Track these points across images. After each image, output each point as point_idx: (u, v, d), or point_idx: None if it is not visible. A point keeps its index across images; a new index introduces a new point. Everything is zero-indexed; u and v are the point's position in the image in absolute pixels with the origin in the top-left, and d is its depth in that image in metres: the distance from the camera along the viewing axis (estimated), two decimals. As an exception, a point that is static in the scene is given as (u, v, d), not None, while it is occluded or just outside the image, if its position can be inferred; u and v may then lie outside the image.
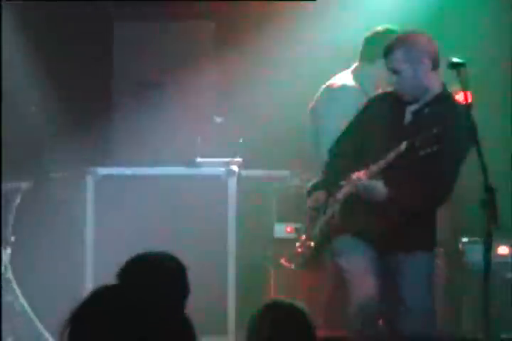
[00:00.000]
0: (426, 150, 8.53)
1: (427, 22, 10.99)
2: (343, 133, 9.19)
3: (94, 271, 9.89)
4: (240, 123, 11.02)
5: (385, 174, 8.54)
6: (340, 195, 8.76)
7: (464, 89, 8.25)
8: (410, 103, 8.80)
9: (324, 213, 8.93)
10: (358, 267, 8.77)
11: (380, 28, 10.14)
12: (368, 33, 10.08)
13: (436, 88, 8.76)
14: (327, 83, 9.98)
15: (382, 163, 8.57)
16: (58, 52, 11.55)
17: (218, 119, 10.87)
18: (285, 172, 10.72)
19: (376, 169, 8.61)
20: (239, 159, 10.54)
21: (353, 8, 11.68)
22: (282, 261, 9.60)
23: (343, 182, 8.79)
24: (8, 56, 11.14)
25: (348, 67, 10.26)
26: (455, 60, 8.09)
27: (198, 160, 10.57)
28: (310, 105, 10.21)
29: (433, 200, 8.77)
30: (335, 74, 10.12)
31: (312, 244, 9.07)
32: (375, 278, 8.59)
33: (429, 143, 8.61)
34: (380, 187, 8.51)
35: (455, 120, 8.63)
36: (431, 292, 8.82)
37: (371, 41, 10.10)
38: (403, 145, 8.41)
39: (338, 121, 9.65)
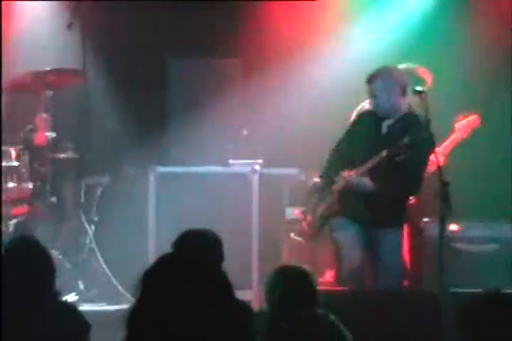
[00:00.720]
0: (400, 156, 8.84)
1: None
2: (339, 140, 9.31)
3: (156, 242, 9.97)
4: (260, 134, 11.03)
5: (370, 172, 8.90)
6: (336, 187, 9.05)
7: (426, 110, 8.71)
8: (385, 119, 9.10)
9: (324, 200, 9.21)
10: (349, 240, 9.08)
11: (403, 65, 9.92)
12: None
13: (404, 108, 9.04)
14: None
15: (368, 165, 8.91)
16: (127, 79, 11.59)
17: (245, 132, 10.91)
18: (294, 170, 10.46)
19: (363, 169, 8.92)
20: (260, 161, 10.46)
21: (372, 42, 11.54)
22: (292, 235, 10.14)
23: (338, 178, 9.04)
24: (95, 86, 11.19)
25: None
26: (418, 88, 8.77)
27: (230, 161, 10.54)
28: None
29: (405, 192, 9.22)
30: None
31: (314, 223, 9.29)
32: (362, 248, 8.95)
33: (402, 151, 8.82)
34: (366, 182, 8.83)
35: (419, 132, 8.85)
36: (401, 257, 9.29)
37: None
38: (384, 153, 8.78)
39: None
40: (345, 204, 9.06)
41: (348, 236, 9.00)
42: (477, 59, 11.10)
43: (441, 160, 9.47)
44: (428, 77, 9.72)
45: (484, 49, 11.09)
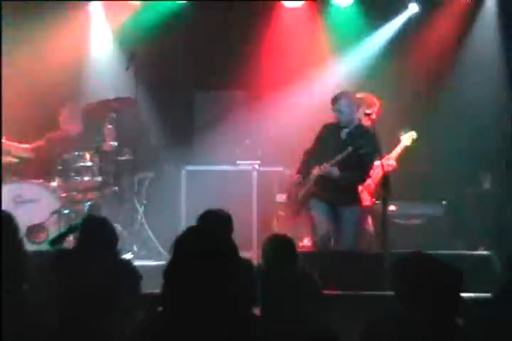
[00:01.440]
0: (361, 150, 9.07)
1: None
2: (311, 145, 9.50)
3: (185, 218, 10.18)
4: (258, 143, 11.11)
5: (338, 164, 9.08)
6: (313, 175, 9.25)
7: (373, 125, 9.26)
8: (344, 127, 9.28)
9: (304, 187, 9.39)
10: (320, 215, 9.32)
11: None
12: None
13: (356, 121, 9.29)
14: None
15: (338, 158, 9.07)
16: (166, 104, 11.67)
17: (247, 141, 11.16)
18: (281, 168, 10.72)
19: (335, 161, 9.08)
20: (258, 161, 10.71)
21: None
22: (280, 212, 10.62)
23: (314, 169, 9.22)
24: (144, 109, 11.28)
25: None
26: (367, 111, 9.23)
27: (238, 162, 10.79)
28: None
29: (360, 179, 9.44)
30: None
31: (297, 203, 9.59)
32: (330, 221, 9.21)
33: (360, 149, 9.05)
34: (335, 171, 9.00)
35: (368, 137, 9.13)
36: (358, 227, 9.57)
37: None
38: (350, 149, 8.99)
39: None
40: (318, 189, 9.31)
41: (319, 212, 9.32)
42: (411, 88, 11.09)
43: (393, 161, 10.11)
44: (376, 103, 9.85)
45: (415, 82, 11.08)
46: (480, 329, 4.46)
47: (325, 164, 9.13)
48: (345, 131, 9.30)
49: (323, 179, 9.21)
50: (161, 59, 11.15)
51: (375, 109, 9.76)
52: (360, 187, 9.73)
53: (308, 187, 9.37)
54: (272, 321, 5.10)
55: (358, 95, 9.60)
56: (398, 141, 10.13)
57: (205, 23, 11.13)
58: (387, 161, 9.90)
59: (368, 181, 9.87)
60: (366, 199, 10.03)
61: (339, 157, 9.11)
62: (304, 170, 9.45)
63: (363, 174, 9.39)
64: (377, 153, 9.19)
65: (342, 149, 9.16)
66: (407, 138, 10.12)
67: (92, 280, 5.84)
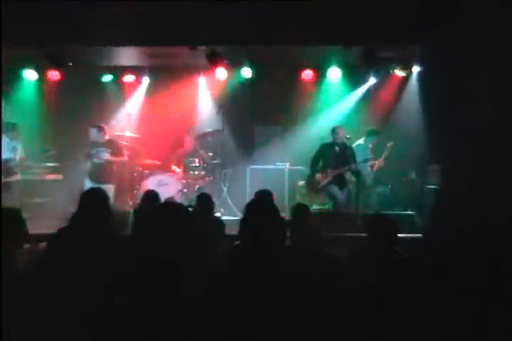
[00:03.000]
0: (353, 168, 8.79)
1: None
2: (315, 156, 8.99)
3: (249, 195, 9.17)
4: (288, 153, 10.30)
5: (335, 176, 8.78)
6: (331, 173, 8.71)
7: (350, 144, 9.07)
8: (336, 145, 8.86)
9: (326, 178, 8.76)
10: (339, 192, 8.75)
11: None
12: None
13: (345, 139, 8.87)
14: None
15: (335, 172, 8.76)
16: (238, 131, 10.69)
17: (281, 152, 10.45)
18: (302, 167, 9.89)
19: (332, 174, 8.75)
20: (288, 163, 10.09)
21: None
22: (300, 192, 9.96)
23: (332, 169, 8.76)
24: (226, 134, 10.39)
25: None
26: (348, 136, 8.86)
27: (277, 163, 10.19)
28: None
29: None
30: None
31: (321, 186, 8.81)
32: (343, 195, 8.76)
33: (354, 167, 8.81)
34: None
35: (353, 152, 8.98)
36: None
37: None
38: (347, 167, 8.77)
39: None
40: (334, 180, 8.74)
41: (338, 190, 8.67)
42: (369, 125, 10.01)
43: (382, 159, 9.83)
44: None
45: (373, 122, 10.07)
46: (413, 255, 4.14)
47: (353, 165, 8.86)
48: (337, 147, 8.96)
49: (339, 175, 8.85)
50: (237, 107, 10.51)
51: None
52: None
53: (329, 179, 8.81)
54: (300, 252, 4.37)
55: (342, 128, 9.07)
56: (385, 148, 9.85)
57: (262, 86, 10.27)
58: (381, 160, 9.86)
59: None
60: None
61: (336, 171, 8.80)
62: (315, 169, 8.97)
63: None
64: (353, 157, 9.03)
65: (337, 159, 8.91)
66: (389, 145, 9.77)
67: (201, 228, 4.99)
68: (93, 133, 9.09)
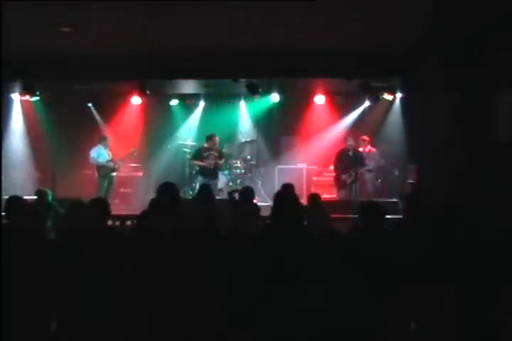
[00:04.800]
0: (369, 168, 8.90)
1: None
2: (336, 157, 8.91)
3: (277, 186, 8.84)
4: (306, 156, 10.02)
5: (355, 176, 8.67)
6: (354, 172, 8.58)
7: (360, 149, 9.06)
8: (349, 151, 8.77)
9: (350, 177, 8.61)
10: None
11: None
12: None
13: (354, 147, 8.84)
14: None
15: (355, 172, 8.64)
16: (268, 140, 10.43)
17: (299, 155, 10.12)
18: (316, 167, 9.89)
19: (354, 174, 8.63)
20: (305, 164, 9.88)
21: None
22: (314, 185, 9.71)
23: (354, 169, 8.64)
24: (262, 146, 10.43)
25: None
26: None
27: (298, 164, 9.95)
28: None
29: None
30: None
31: (343, 182, 8.75)
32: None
33: (368, 170, 8.88)
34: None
35: (363, 156, 8.97)
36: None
37: None
38: (364, 168, 8.75)
39: None
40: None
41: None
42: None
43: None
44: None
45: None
46: (396, 230, 4.01)
47: (365, 166, 8.84)
48: (350, 152, 8.83)
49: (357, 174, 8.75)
50: (269, 122, 10.38)
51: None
52: None
53: (353, 178, 8.63)
54: (313, 228, 4.14)
55: (351, 137, 9.04)
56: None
57: (287, 107, 10.04)
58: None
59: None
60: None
61: (353, 173, 8.64)
62: (339, 170, 8.85)
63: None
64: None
65: (351, 162, 8.73)
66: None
67: (246, 211, 5.26)
68: (208, 140, 9.07)
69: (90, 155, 9.29)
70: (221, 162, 9.29)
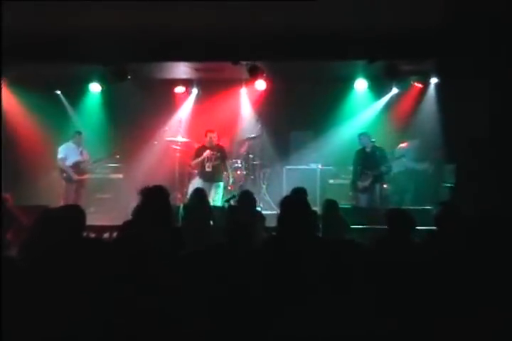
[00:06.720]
0: (386, 169, 8.73)
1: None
2: (354, 160, 9.05)
3: (285, 190, 9.22)
4: (320, 156, 10.07)
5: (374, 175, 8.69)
6: (366, 182, 8.73)
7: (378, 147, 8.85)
8: (365, 149, 8.89)
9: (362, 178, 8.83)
10: None
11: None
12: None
13: (371, 145, 8.85)
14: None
15: (375, 172, 8.72)
16: (275, 137, 10.63)
17: (314, 154, 10.14)
18: (331, 168, 10.03)
19: (372, 176, 8.72)
20: (319, 164, 10.04)
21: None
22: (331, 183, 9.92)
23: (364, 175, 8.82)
24: (266, 142, 10.49)
25: None
26: (372, 139, 8.85)
27: (310, 164, 10.10)
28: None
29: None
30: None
31: (359, 184, 8.86)
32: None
33: (386, 169, 8.72)
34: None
35: (385, 155, 8.92)
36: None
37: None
38: (383, 168, 8.72)
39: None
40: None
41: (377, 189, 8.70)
42: (393, 128, 9.97)
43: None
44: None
45: (396, 126, 9.97)
46: (428, 242, 4.06)
47: (383, 166, 8.81)
48: (367, 150, 8.94)
49: (376, 176, 8.83)
50: (275, 114, 10.46)
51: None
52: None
53: (371, 180, 8.77)
54: (329, 240, 4.09)
55: (365, 135, 9.09)
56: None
57: (296, 96, 10.14)
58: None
59: None
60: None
61: (375, 172, 8.78)
62: (356, 173, 9.02)
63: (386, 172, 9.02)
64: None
65: (367, 160, 8.91)
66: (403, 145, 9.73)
67: (250, 220, 4.82)
68: (209, 136, 9.12)
69: (57, 154, 9.12)
70: (225, 163, 9.44)
